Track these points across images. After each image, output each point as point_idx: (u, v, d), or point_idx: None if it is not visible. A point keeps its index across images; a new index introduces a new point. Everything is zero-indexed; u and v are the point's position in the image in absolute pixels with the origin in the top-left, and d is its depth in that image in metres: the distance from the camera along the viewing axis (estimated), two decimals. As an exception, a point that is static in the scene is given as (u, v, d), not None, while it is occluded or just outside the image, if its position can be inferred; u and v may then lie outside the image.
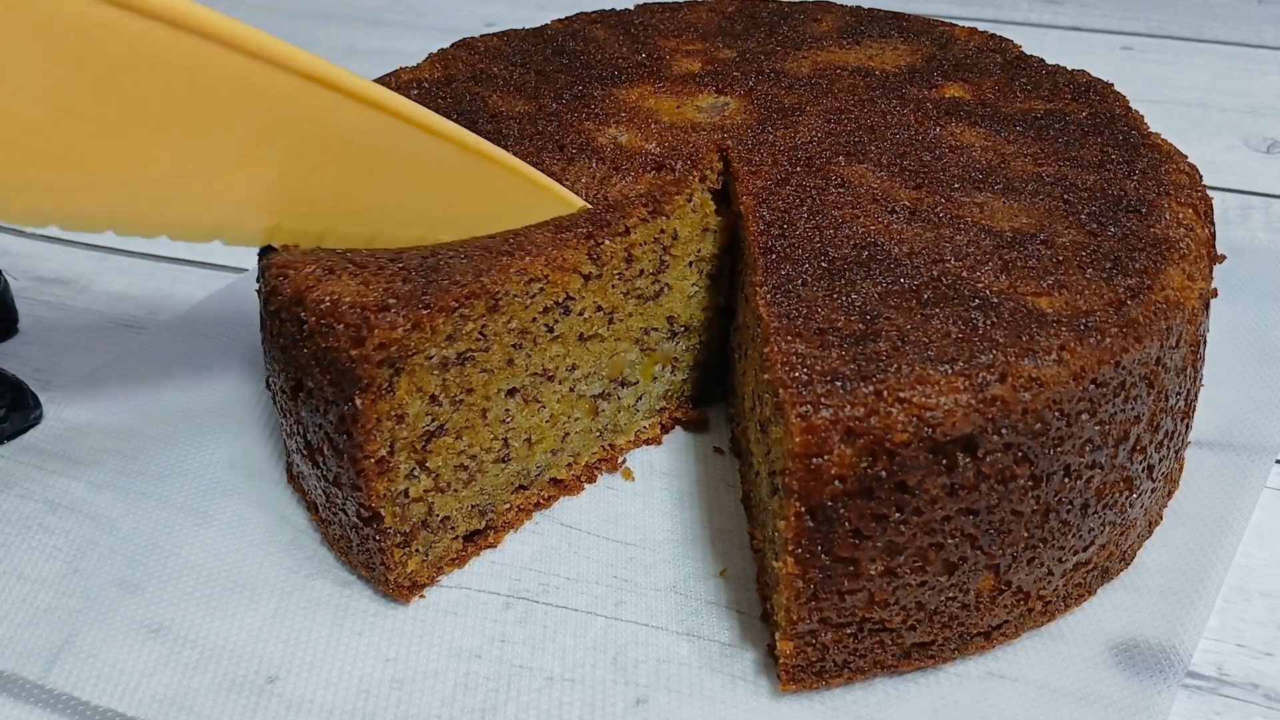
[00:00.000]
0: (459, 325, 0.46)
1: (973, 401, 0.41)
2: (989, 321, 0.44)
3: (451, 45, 0.67)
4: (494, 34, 0.69)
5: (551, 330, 0.51)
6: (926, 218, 0.50)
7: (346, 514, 0.49)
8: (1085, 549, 0.46)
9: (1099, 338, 0.43)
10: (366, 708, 0.45)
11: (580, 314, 0.52)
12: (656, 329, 0.56)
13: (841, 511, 0.41)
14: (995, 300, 0.45)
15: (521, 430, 0.52)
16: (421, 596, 0.50)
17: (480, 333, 0.48)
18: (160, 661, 0.47)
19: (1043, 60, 0.64)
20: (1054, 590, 0.47)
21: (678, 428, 0.60)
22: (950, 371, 0.41)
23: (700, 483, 0.56)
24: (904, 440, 0.40)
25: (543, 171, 0.53)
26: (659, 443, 0.59)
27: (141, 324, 0.69)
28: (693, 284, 0.56)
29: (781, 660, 0.45)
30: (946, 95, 0.61)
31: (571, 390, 0.53)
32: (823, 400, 0.40)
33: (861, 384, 0.41)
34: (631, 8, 0.73)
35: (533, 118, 0.59)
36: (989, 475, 0.42)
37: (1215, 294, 0.52)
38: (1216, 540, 0.51)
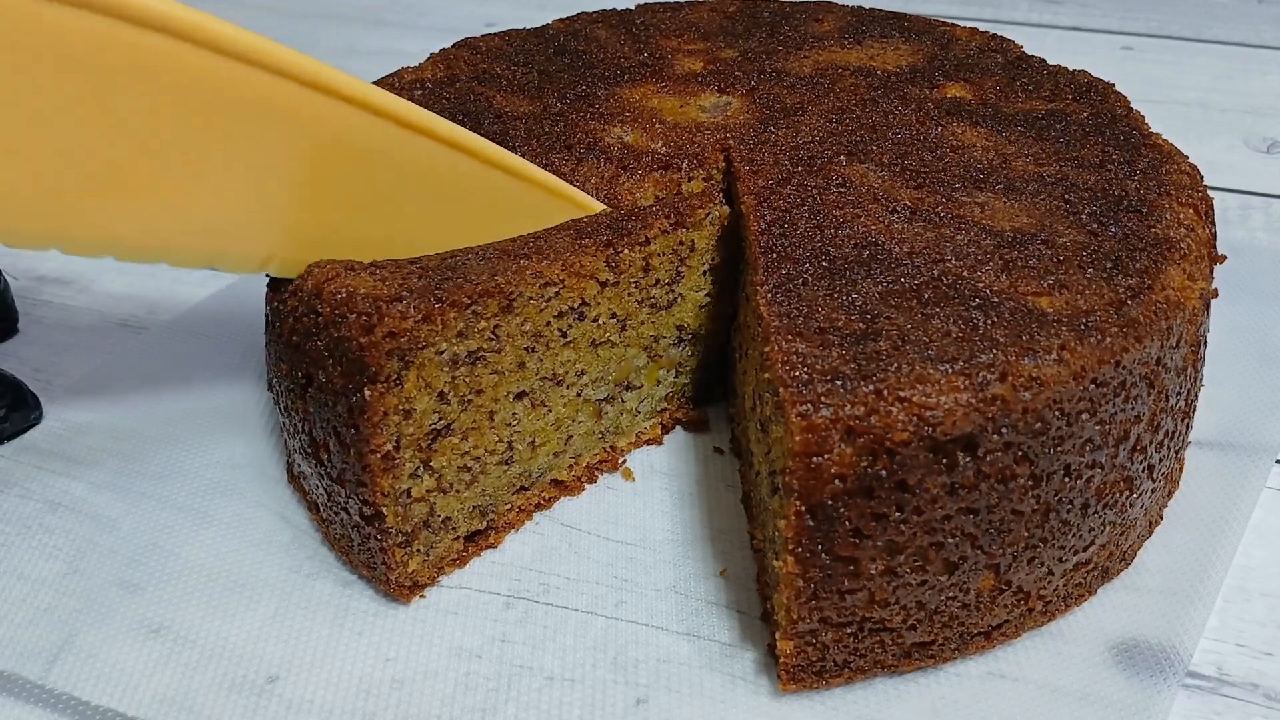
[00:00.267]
0: (471, 322, 0.47)
1: (973, 401, 0.41)
2: (989, 321, 0.43)
3: (453, 45, 0.67)
4: (496, 34, 0.69)
5: (565, 335, 0.51)
6: (927, 217, 0.50)
7: (348, 513, 0.49)
8: (1085, 549, 0.46)
9: (1099, 337, 0.43)
10: (367, 708, 0.45)
11: (595, 320, 0.52)
12: (665, 337, 0.56)
13: (842, 511, 0.41)
14: (996, 300, 0.45)
15: (526, 433, 0.52)
16: (422, 596, 0.50)
17: (494, 333, 0.48)
18: (160, 661, 0.47)
19: (1044, 60, 0.64)
20: (1054, 590, 0.47)
21: (678, 428, 0.60)
22: (950, 371, 0.41)
23: (700, 483, 0.56)
24: (904, 439, 0.40)
25: (552, 172, 0.53)
26: (659, 443, 0.59)
27: (141, 324, 0.69)
28: (705, 294, 0.56)
29: (782, 660, 0.45)
30: (947, 95, 0.61)
31: (578, 395, 0.54)
32: (823, 399, 0.40)
33: (862, 383, 0.41)
34: (632, 7, 0.73)
35: (538, 118, 0.59)
36: (989, 475, 0.42)
37: (1215, 294, 0.52)
38: (1216, 540, 0.51)
